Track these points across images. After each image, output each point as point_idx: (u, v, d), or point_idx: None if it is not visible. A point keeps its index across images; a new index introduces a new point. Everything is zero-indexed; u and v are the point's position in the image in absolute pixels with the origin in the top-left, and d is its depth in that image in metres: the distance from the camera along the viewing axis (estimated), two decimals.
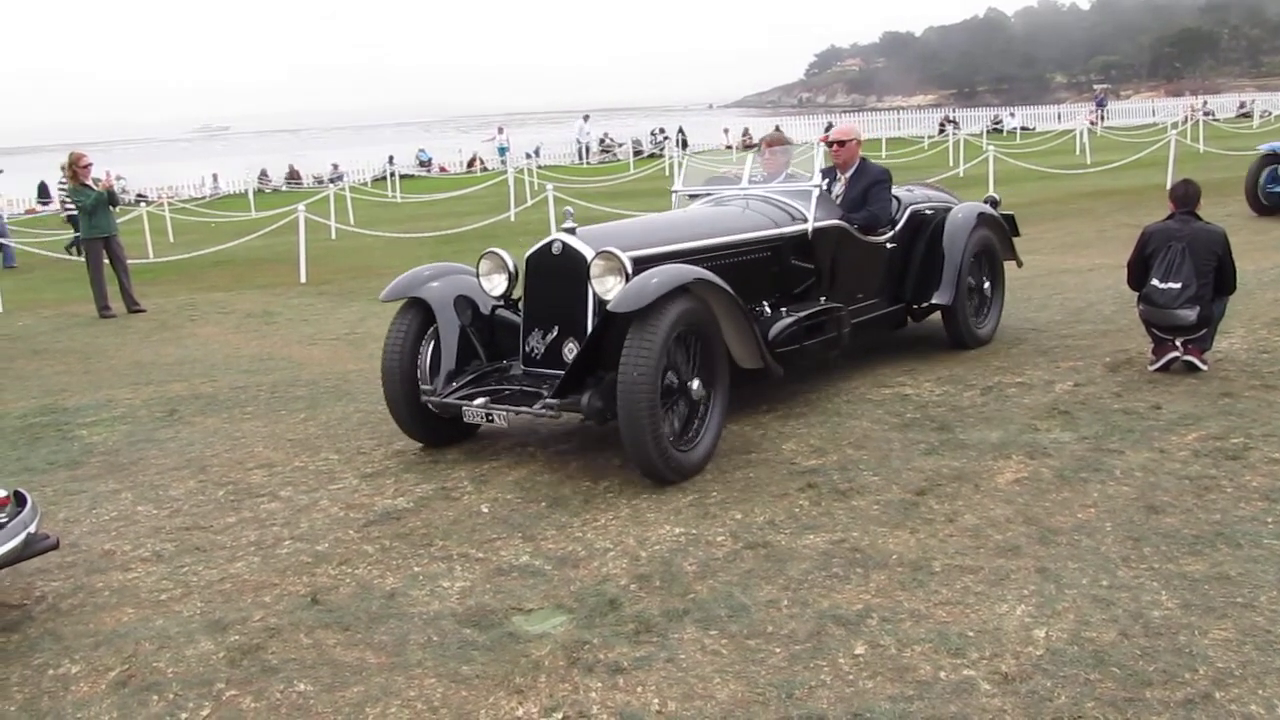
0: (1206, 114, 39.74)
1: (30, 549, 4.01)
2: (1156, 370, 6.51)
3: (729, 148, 36.01)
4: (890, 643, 3.53)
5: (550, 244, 5.65)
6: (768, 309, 6.21)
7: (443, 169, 43.68)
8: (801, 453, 5.52)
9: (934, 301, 7.33)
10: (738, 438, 5.82)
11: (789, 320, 6.07)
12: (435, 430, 5.92)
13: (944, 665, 3.38)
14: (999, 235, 7.91)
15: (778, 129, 39.88)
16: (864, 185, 7.21)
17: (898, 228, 7.32)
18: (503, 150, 41.32)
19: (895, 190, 7.45)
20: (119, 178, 33.64)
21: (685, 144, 41.75)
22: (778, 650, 3.54)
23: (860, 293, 6.99)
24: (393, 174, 35.18)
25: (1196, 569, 3.93)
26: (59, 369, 9.35)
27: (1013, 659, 3.38)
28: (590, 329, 5.42)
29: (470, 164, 43.97)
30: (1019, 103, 68.36)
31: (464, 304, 5.88)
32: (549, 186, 18.00)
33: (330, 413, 7.01)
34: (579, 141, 44.31)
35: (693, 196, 7.28)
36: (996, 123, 46.85)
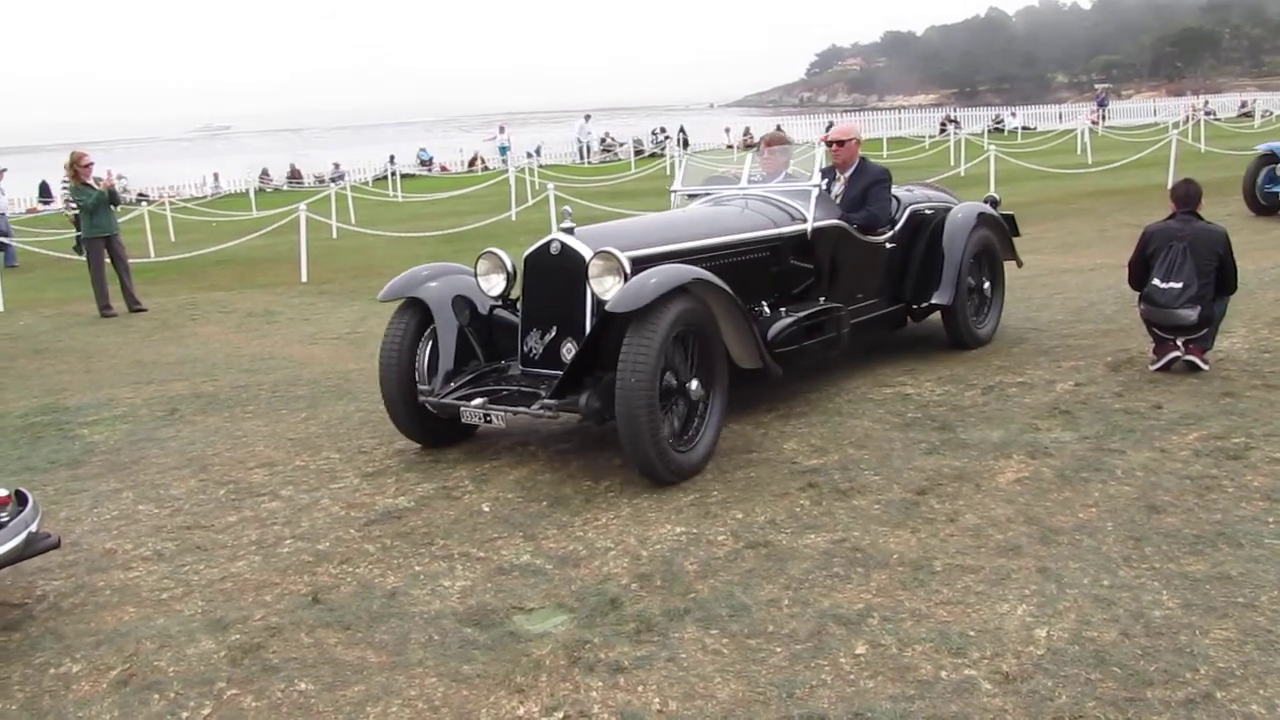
0: (1208, 114, 39.75)
1: (31, 548, 4.01)
2: (1158, 370, 6.51)
3: (730, 147, 36.02)
4: (891, 642, 3.53)
5: (548, 244, 5.63)
6: (767, 309, 6.20)
7: (444, 168, 43.69)
8: (803, 452, 5.52)
9: (934, 301, 7.32)
10: (739, 437, 5.82)
11: (788, 320, 6.06)
12: (433, 430, 5.91)
13: (945, 665, 3.38)
14: (999, 235, 7.91)
15: (779, 128, 39.89)
16: (863, 185, 7.19)
17: (897, 227, 7.31)
18: (504, 150, 41.31)
19: (895, 190, 7.44)
20: (120, 177, 33.64)
21: (686, 143, 41.74)
22: (779, 650, 3.54)
23: (860, 293, 6.98)
24: (394, 173, 35.15)
25: (1198, 569, 3.93)
26: (60, 368, 9.36)
27: (1014, 658, 3.38)
28: (588, 329, 5.40)
29: (471, 163, 43.98)
30: (1020, 102, 68.38)
31: (462, 304, 5.87)
32: (550, 186, 18.01)
33: (331, 412, 7.01)
34: (580, 141, 44.31)
35: (692, 196, 7.26)
36: (998, 122, 46.82)
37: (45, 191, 33.04)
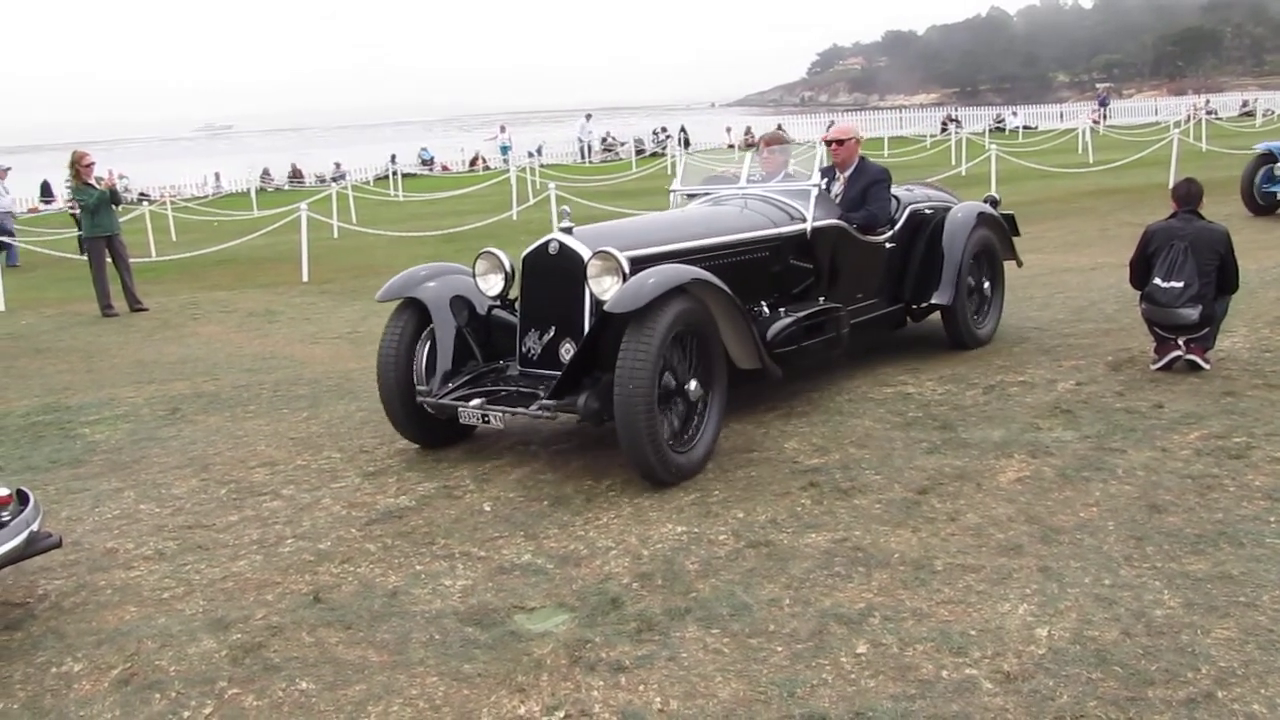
0: (1209, 113, 39.70)
1: (33, 547, 4.02)
2: (1159, 369, 6.51)
3: (731, 146, 36.02)
4: (892, 641, 3.53)
5: (547, 243, 5.61)
6: (766, 309, 6.18)
7: (445, 168, 43.68)
8: (804, 451, 5.52)
9: (933, 301, 7.30)
10: (740, 436, 5.82)
11: (787, 320, 6.04)
12: (431, 431, 5.89)
13: (946, 664, 3.38)
14: (999, 235, 7.89)
15: (780, 128, 39.85)
16: (863, 184, 7.17)
17: (897, 227, 7.28)
18: (505, 149, 41.33)
19: (894, 189, 7.42)
20: (122, 176, 33.66)
21: (687, 143, 41.75)
22: (780, 649, 3.54)
23: (859, 293, 6.96)
24: (395, 173, 35.18)
25: (1199, 568, 3.93)
26: (62, 368, 9.36)
27: (1015, 658, 3.38)
28: (587, 329, 5.38)
29: (472, 163, 43.98)
30: (1021, 101, 68.33)
31: (460, 304, 5.84)
32: (551, 185, 18.01)
33: (332, 411, 7.02)
34: (581, 140, 44.30)
35: (691, 196, 7.24)
36: (999, 121, 46.82)
37: (47, 191, 33.06)
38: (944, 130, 42.06)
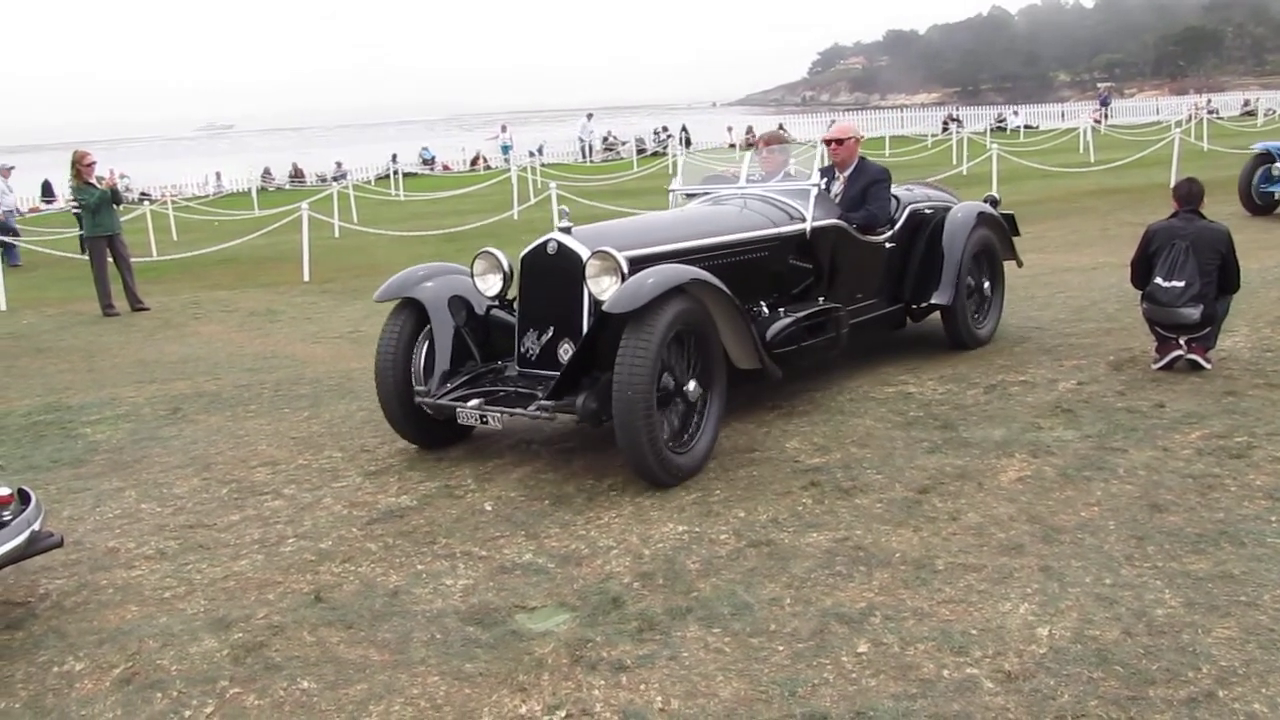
0: (1210, 112, 39.67)
1: (34, 547, 4.02)
2: (1160, 369, 6.50)
3: (732, 146, 36.03)
4: (893, 641, 3.53)
5: (545, 243, 5.58)
6: (765, 309, 6.16)
7: (446, 167, 43.70)
8: (805, 451, 5.52)
9: (933, 301, 7.28)
10: (741, 436, 5.82)
11: (787, 321, 6.03)
12: (429, 432, 5.87)
13: (947, 663, 3.38)
14: (999, 235, 7.87)
15: (781, 127, 39.84)
16: (863, 184, 7.15)
17: (897, 227, 7.26)
18: (506, 148, 41.34)
19: (894, 189, 7.40)
20: (123, 176, 33.66)
21: (689, 142, 41.75)
22: (781, 648, 3.54)
23: (859, 293, 6.94)
24: (396, 172, 35.19)
25: (1200, 567, 3.93)
26: (63, 367, 9.37)
27: (1016, 657, 3.38)
28: (586, 329, 5.36)
29: (473, 162, 43.99)
30: (1022, 101, 68.42)
31: (458, 304, 5.82)
32: (552, 185, 18.01)
33: (333, 411, 7.02)
34: (582, 140, 44.30)
35: (690, 196, 7.22)
36: (1000, 121, 46.79)
37: (48, 190, 33.07)
38: (945, 130, 42.06)
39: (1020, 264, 8.43)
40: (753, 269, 6.21)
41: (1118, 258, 9.95)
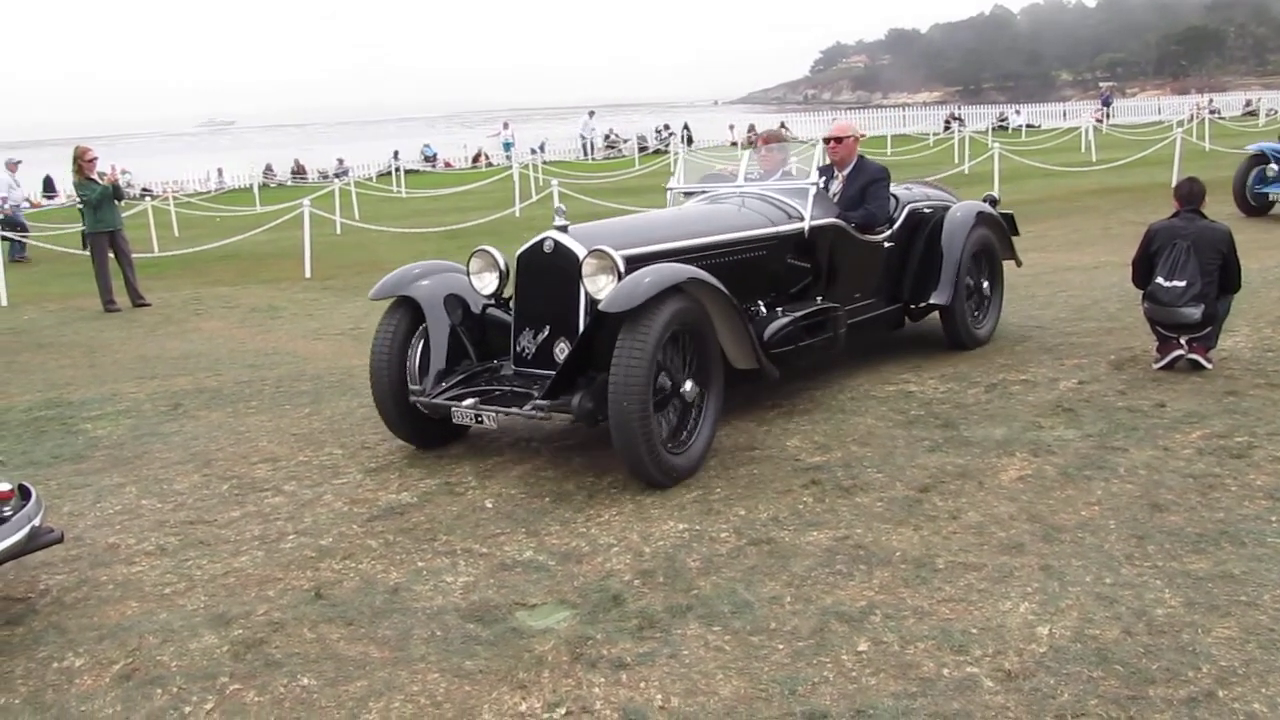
0: (1212, 112, 39.64)
1: (35, 542, 4.02)
2: (1161, 368, 6.50)
3: (734, 144, 36.02)
4: (893, 640, 3.53)
5: (542, 242, 5.55)
6: (763, 309, 6.14)
7: (448, 164, 43.70)
8: (805, 449, 5.52)
9: (932, 301, 7.26)
10: (742, 434, 5.82)
11: (785, 320, 6.00)
12: (425, 431, 5.82)
13: (947, 662, 3.38)
14: (998, 234, 7.85)
15: (783, 125, 39.81)
16: (862, 183, 7.12)
17: (896, 226, 7.24)
18: (508, 146, 41.36)
19: (893, 188, 7.37)
20: (124, 172, 33.63)
21: (690, 140, 41.76)
22: (781, 647, 3.54)
23: (857, 292, 6.92)
24: (398, 169, 35.19)
25: (1200, 567, 3.93)
26: (64, 363, 9.37)
27: (1016, 656, 3.38)
28: (582, 329, 5.33)
29: (475, 159, 44.00)
30: (1024, 100, 68.45)
31: (454, 303, 5.80)
32: (554, 182, 18.00)
33: (334, 407, 7.02)
34: (584, 137, 44.29)
35: (688, 194, 7.19)
36: (1002, 120, 46.78)
37: (50, 186, 33.09)
38: (947, 128, 42.04)
39: (1019, 264, 8.42)
40: (750, 268, 6.18)
41: (1119, 257, 9.95)
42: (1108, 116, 47.01)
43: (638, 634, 3.68)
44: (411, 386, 5.69)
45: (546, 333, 5.54)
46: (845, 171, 7.26)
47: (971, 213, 7.48)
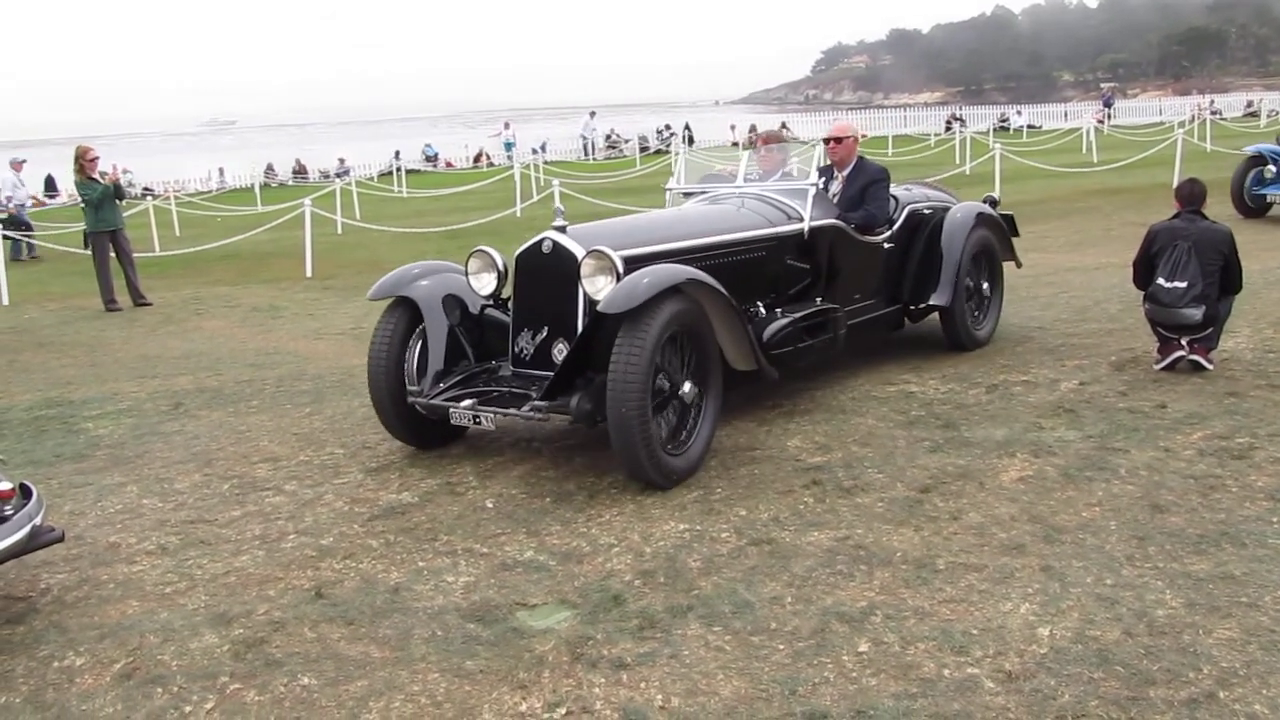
0: (1214, 113, 39.63)
1: (36, 541, 4.02)
2: (1162, 369, 6.50)
3: (735, 144, 36.01)
4: (894, 640, 3.53)
5: (540, 242, 5.52)
6: (762, 310, 6.13)
7: (449, 164, 43.70)
8: (806, 449, 5.52)
9: (932, 302, 7.25)
10: (742, 434, 5.82)
11: (784, 321, 5.99)
12: (423, 432, 5.80)
13: (948, 663, 3.38)
14: (998, 235, 7.83)
15: (784, 126, 39.79)
16: (861, 184, 7.10)
17: (895, 227, 7.22)
18: (509, 145, 41.36)
19: (893, 189, 7.36)
20: (126, 171, 33.67)
21: (692, 140, 41.75)
22: (781, 647, 3.54)
23: (857, 293, 6.89)
24: (399, 169, 35.20)
25: (1201, 568, 3.93)
26: (65, 362, 9.37)
27: (1017, 657, 3.38)
28: (580, 329, 5.31)
29: (476, 159, 44.00)
30: (1026, 101, 68.35)
31: (452, 303, 5.77)
32: (555, 182, 18.00)
33: (335, 407, 7.02)
34: (584, 137, 44.29)
35: (687, 194, 7.17)
36: (1003, 120, 46.76)
37: (51, 185, 33.08)
38: (948, 129, 42.02)
39: (1019, 265, 8.42)
40: (750, 269, 6.16)
41: (1120, 258, 9.95)
42: (1109, 117, 46.99)
43: (638, 634, 3.68)
44: (410, 387, 5.66)
45: (545, 333, 5.52)
46: (845, 172, 7.25)
47: (971, 214, 7.46)
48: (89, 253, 13.01)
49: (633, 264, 5.25)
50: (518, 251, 5.65)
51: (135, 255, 12.98)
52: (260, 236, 17.48)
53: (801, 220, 6.45)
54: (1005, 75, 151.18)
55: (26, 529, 3.95)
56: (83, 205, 12.94)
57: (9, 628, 4.01)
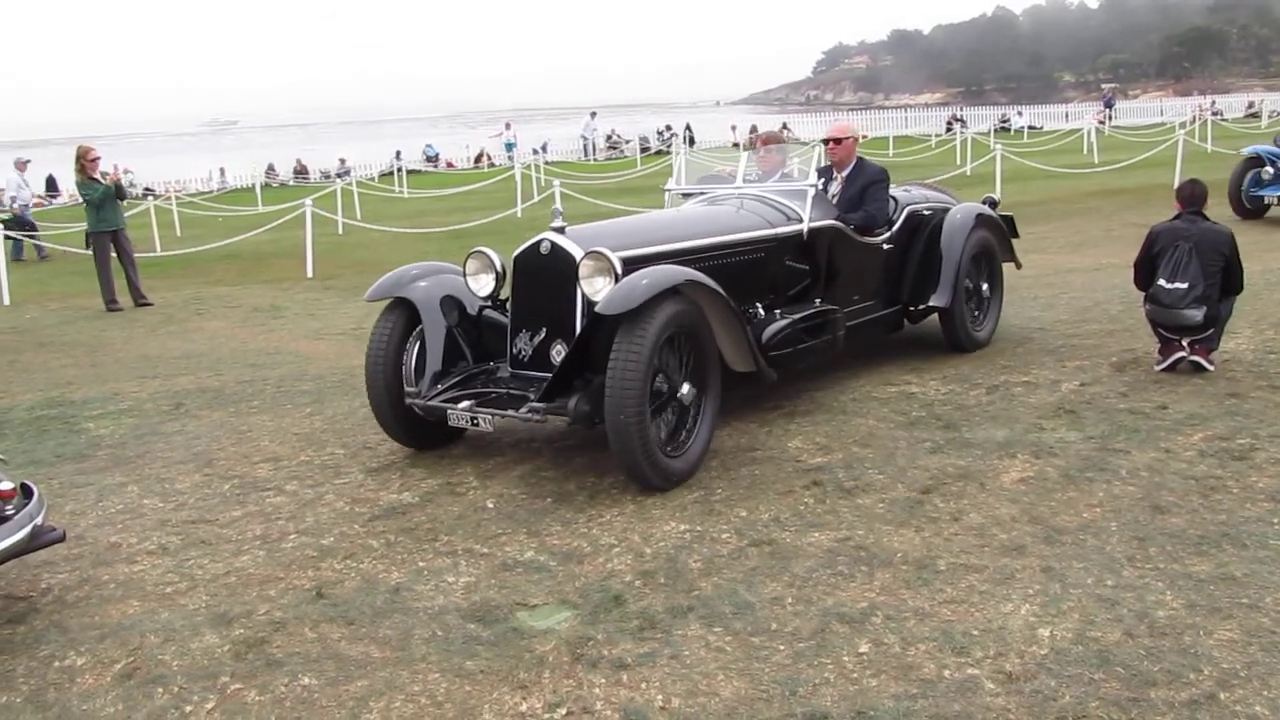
0: (1215, 114, 39.63)
1: (37, 541, 4.02)
2: (1163, 370, 6.50)
3: (735, 145, 36.01)
4: (894, 641, 3.53)
5: (538, 243, 5.50)
6: (761, 311, 6.12)
7: (450, 164, 43.72)
8: (807, 450, 5.52)
9: (931, 304, 7.23)
10: (743, 435, 5.82)
11: (783, 323, 5.98)
12: (420, 433, 5.79)
13: (948, 664, 3.38)
14: (998, 236, 7.82)
15: (785, 126, 39.76)
16: (861, 185, 7.09)
17: (895, 228, 7.20)
18: (510, 146, 41.38)
19: (893, 190, 7.35)
20: (127, 171, 33.70)
21: (693, 141, 41.75)
22: (782, 648, 3.54)
23: (856, 294, 6.87)
24: (400, 169, 35.22)
25: (1202, 569, 3.93)
26: (66, 362, 9.38)
27: (1017, 658, 3.38)
28: (578, 331, 5.29)
29: (477, 160, 44.01)
30: (1026, 101, 68.43)
31: (450, 304, 5.75)
32: (556, 183, 18.00)
33: (336, 407, 7.02)
34: (585, 138, 44.29)
35: (686, 195, 7.15)
36: (1004, 121, 46.75)
37: (52, 185, 33.11)
38: (949, 130, 42.02)
39: (1019, 266, 8.41)
40: (749, 270, 6.14)
41: (1121, 259, 9.95)
42: (1110, 118, 47.00)
43: (639, 634, 3.68)
44: (407, 389, 5.65)
45: (543, 335, 5.50)
46: (844, 173, 7.24)
47: (971, 215, 7.45)
48: (90, 253, 13.02)
49: (631, 265, 5.23)
50: (516, 252, 5.63)
51: (136, 255, 12.99)
52: (261, 237, 17.49)
53: (800, 221, 6.44)
54: (1006, 76, 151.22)
55: (28, 529, 3.95)
56: (84, 205, 12.95)
57: (10, 627, 4.01)
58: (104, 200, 12.42)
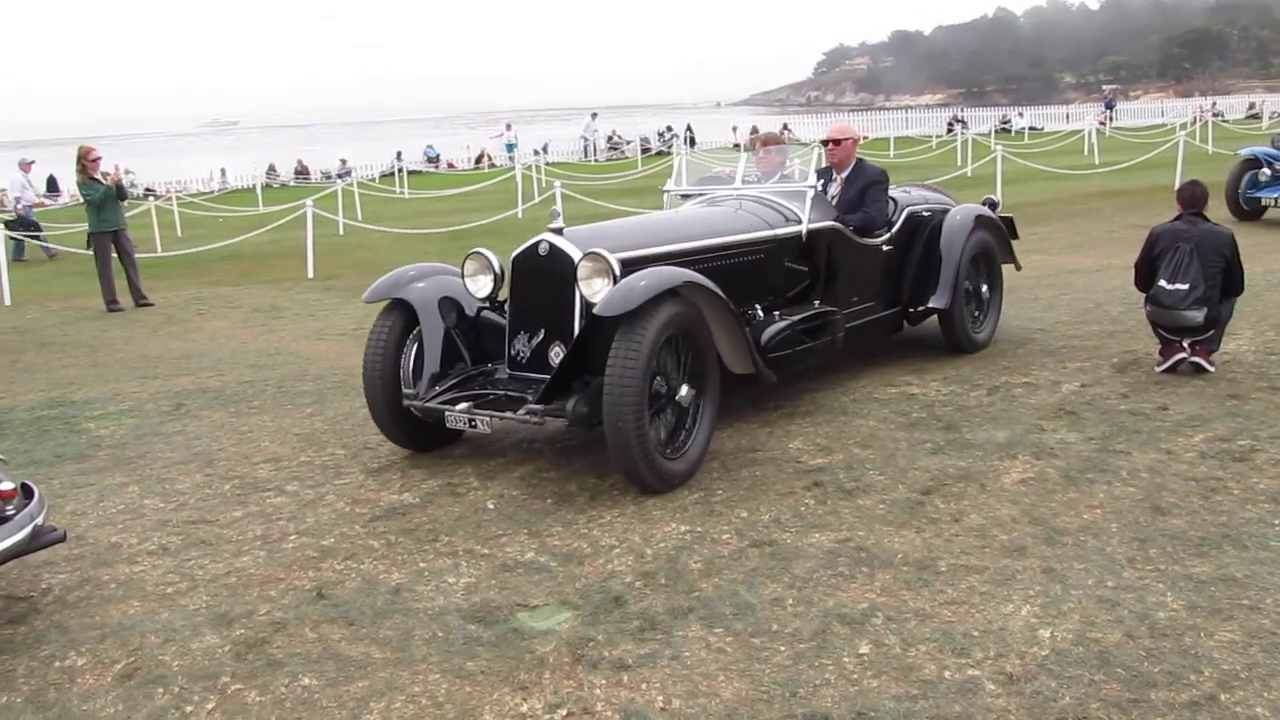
0: (1215, 115, 39.62)
1: (37, 541, 4.02)
2: (1164, 371, 6.50)
3: (736, 146, 36.01)
4: (895, 642, 3.53)
5: (537, 244, 5.48)
6: (760, 313, 6.11)
7: (451, 165, 43.73)
8: (808, 451, 5.52)
9: (931, 305, 7.22)
10: (744, 436, 5.82)
11: (782, 324, 5.97)
12: (418, 435, 5.78)
13: (949, 665, 3.38)
14: (997, 238, 7.81)
15: (785, 128, 39.76)
16: (860, 186, 7.08)
17: (894, 230, 7.19)
18: (511, 147, 41.39)
19: (892, 191, 7.34)
20: (128, 171, 33.66)
21: (693, 142, 41.76)
22: (782, 649, 3.54)
23: (856, 296, 6.86)
24: (401, 170, 35.23)
25: (1202, 571, 3.93)
26: (66, 362, 9.38)
27: (1018, 659, 3.38)
28: (577, 332, 5.27)
29: (478, 160, 44.03)
30: (1027, 103, 68.32)
31: (448, 305, 5.74)
32: (556, 183, 18.01)
33: (337, 408, 7.02)
34: (586, 139, 44.29)
35: (685, 196, 7.14)
36: (1005, 122, 46.76)
37: (53, 185, 33.11)
38: (950, 131, 42.02)
39: (1019, 268, 8.40)
40: (747, 271, 6.13)
41: (1122, 260, 9.95)
42: (1111, 119, 47.01)
43: (639, 635, 3.68)
44: (405, 390, 5.63)
45: (541, 336, 5.48)
46: (844, 174, 7.22)
47: (970, 216, 7.44)
48: (91, 253, 13.02)
49: (630, 266, 5.22)
50: (514, 253, 5.62)
51: (137, 255, 13.00)
52: (262, 237, 17.50)
53: (800, 222, 6.43)
54: (1007, 77, 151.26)
55: (28, 529, 3.95)
56: (85, 205, 12.96)
57: (10, 627, 4.01)
58: (105, 200, 12.43)
